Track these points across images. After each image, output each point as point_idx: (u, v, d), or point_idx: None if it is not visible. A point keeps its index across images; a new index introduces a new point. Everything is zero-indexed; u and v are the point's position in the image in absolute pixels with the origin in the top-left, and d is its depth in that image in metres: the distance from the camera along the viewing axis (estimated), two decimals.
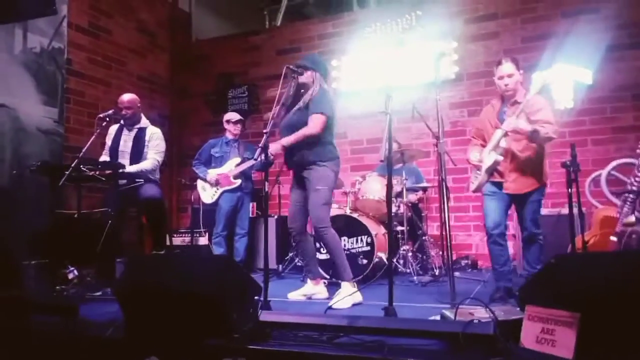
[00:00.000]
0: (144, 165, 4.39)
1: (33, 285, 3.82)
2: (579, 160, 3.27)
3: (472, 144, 3.68)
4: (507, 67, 3.41)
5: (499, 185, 3.44)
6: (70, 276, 3.98)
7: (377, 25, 6.37)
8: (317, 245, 4.27)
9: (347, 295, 3.29)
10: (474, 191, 3.56)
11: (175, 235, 5.67)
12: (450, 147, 5.75)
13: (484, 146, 3.49)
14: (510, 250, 5.29)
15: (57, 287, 3.75)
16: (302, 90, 3.60)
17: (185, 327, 2.30)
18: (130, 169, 4.30)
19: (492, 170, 3.38)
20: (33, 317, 2.73)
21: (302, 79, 3.56)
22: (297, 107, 3.58)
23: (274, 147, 3.46)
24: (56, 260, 3.91)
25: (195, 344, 2.25)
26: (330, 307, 3.11)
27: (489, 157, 3.35)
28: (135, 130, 4.52)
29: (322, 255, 4.43)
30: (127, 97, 4.55)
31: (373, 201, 4.70)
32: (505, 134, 3.29)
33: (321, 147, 3.52)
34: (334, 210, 4.52)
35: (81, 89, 5.93)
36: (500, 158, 3.31)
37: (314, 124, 3.46)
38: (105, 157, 4.49)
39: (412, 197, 5.18)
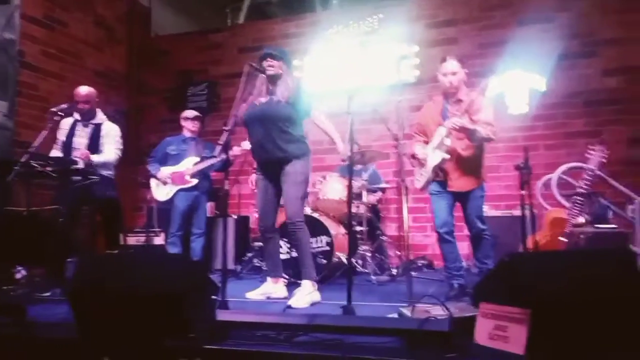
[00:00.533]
0: (108, 156, 4.24)
1: None
2: (532, 164, 3.38)
3: (415, 140, 3.73)
4: (451, 64, 3.48)
5: (443, 184, 3.53)
6: (18, 276, 3.84)
7: (339, 27, 6.41)
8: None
9: (307, 294, 3.29)
10: (421, 189, 3.63)
11: (129, 234, 5.52)
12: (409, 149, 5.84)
13: (426, 142, 3.56)
14: (464, 250, 5.45)
15: (4, 287, 3.60)
16: (272, 83, 3.54)
17: (139, 327, 2.25)
18: (94, 158, 4.13)
19: (439, 168, 3.46)
20: None
21: (272, 70, 3.50)
22: (273, 99, 3.49)
23: (346, 149, 3.32)
24: (3, 259, 3.75)
25: (150, 344, 2.20)
26: (289, 306, 3.10)
27: (434, 155, 3.43)
28: (91, 126, 4.37)
29: (283, 255, 4.41)
30: (84, 90, 4.38)
31: (333, 201, 4.72)
32: (449, 133, 3.35)
33: (301, 142, 3.53)
34: None
35: (34, 82, 5.71)
36: (447, 156, 3.38)
37: (325, 117, 3.60)
38: (57, 153, 4.32)
39: (372, 198, 5.23)
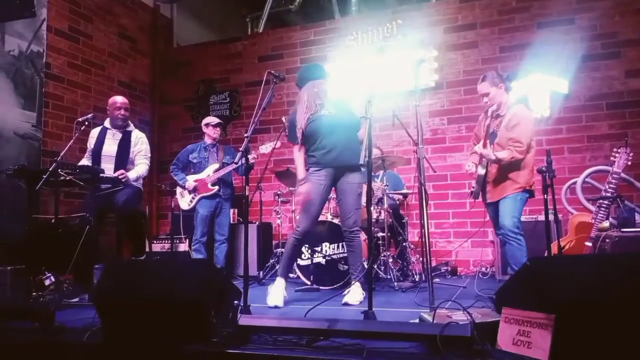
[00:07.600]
0: (140, 170, 4.37)
1: (8, 291, 3.74)
2: (556, 167, 3.36)
3: (472, 150, 3.90)
4: (480, 87, 3.71)
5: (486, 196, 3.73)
6: (47, 282, 3.91)
7: (358, 34, 6.43)
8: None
9: (360, 293, 3.59)
10: (474, 199, 3.82)
11: (155, 241, 5.61)
12: (430, 154, 5.81)
13: None
14: (490, 257, 5.40)
15: (34, 294, 3.68)
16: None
17: (163, 332, 2.29)
18: (131, 176, 4.28)
19: (482, 181, 3.68)
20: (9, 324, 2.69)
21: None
22: (342, 109, 3.79)
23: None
24: (33, 266, 3.84)
25: (174, 349, 2.23)
26: (346, 303, 3.49)
27: (478, 170, 3.68)
28: (120, 134, 4.48)
29: (304, 262, 4.45)
30: (120, 98, 4.55)
31: None
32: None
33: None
34: None
35: (60, 93, 5.86)
36: (483, 171, 3.63)
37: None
38: (86, 161, 4.43)
39: (392, 203, 5.21)
